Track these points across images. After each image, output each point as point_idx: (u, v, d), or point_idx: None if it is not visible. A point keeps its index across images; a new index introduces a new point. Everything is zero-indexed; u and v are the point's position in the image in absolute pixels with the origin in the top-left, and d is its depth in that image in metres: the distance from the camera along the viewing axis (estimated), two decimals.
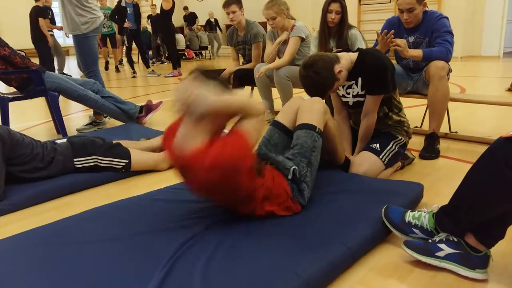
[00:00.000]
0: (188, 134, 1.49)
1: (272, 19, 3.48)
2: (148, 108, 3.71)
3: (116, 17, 8.32)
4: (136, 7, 8.37)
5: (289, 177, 1.69)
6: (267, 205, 1.63)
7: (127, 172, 2.42)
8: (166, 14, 7.64)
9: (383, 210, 1.58)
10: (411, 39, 2.75)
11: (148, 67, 8.50)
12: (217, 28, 12.92)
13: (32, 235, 1.62)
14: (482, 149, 1.29)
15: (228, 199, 1.59)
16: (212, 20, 12.78)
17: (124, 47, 9.16)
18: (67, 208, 2.06)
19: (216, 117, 1.49)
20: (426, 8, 2.69)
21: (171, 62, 8.20)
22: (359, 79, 2.19)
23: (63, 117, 3.46)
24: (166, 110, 4.53)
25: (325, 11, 3.13)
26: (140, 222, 1.67)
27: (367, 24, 9.74)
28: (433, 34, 2.65)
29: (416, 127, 3.21)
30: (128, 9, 8.25)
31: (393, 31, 2.53)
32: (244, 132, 1.51)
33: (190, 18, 12.95)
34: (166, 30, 7.86)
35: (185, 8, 13.16)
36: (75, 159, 2.31)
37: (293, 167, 1.71)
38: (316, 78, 2.03)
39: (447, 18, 2.68)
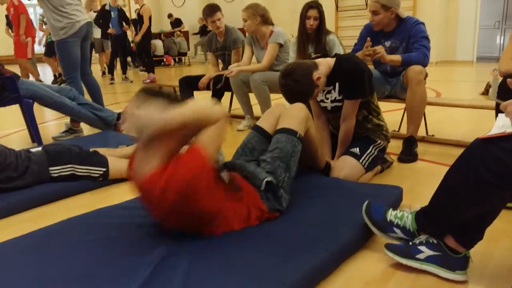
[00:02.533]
0: (142, 158, 1.40)
1: (244, 21, 3.55)
2: None
3: (100, 21, 8.17)
4: (121, 12, 8.18)
5: (262, 188, 1.64)
6: (245, 221, 1.57)
7: (105, 180, 2.37)
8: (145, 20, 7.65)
9: (364, 205, 1.56)
10: (388, 44, 2.79)
11: (124, 73, 8.39)
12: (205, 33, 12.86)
13: (5, 247, 1.56)
14: (458, 151, 1.30)
15: (192, 224, 1.50)
16: (201, 25, 12.71)
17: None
18: (43, 218, 2.00)
19: (167, 135, 1.38)
20: (399, 14, 2.73)
21: (145, 67, 8.16)
22: (337, 84, 2.20)
23: (38, 125, 3.38)
24: None
25: (303, 17, 3.16)
26: (118, 230, 1.63)
27: (345, 30, 9.87)
28: (410, 39, 2.69)
29: (394, 131, 3.25)
30: (112, 13, 8.07)
31: (368, 39, 2.57)
32: (199, 147, 1.41)
33: (176, 24, 12.89)
34: (145, 36, 7.81)
35: (170, 15, 13.10)
36: (50, 168, 2.25)
37: (266, 179, 1.65)
38: (295, 86, 2.04)
39: (423, 24, 2.73)
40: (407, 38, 2.71)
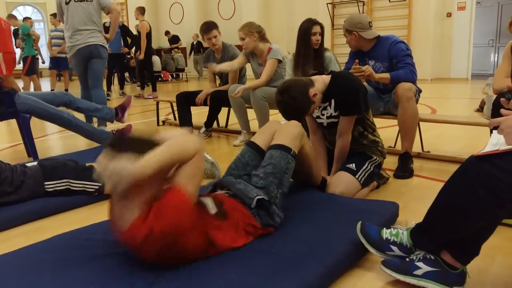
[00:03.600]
0: (121, 211, 1.35)
1: (241, 40, 3.59)
2: (122, 107, 3.66)
3: None
4: (123, 28, 8.09)
5: (252, 206, 1.62)
6: (239, 241, 1.55)
7: (100, 195, 2.36)
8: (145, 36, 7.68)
9: (358, 226, 1.56)
10: (371, 63, 2.85)
11: (121, 88, 8.42)
12: (201, 50, 12.95)
13: (10, 258, 1.55)
14: (453, 168, 1.31)
15: (181, 261, 1.43)
16: (195, 42, 12.83)
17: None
18: (36, 233, 1.98)
19: (143, 184, 1.31)
20: (362, 36, 2.78)
21: (141, 84, 8.21)
22: (332, 101, 2.22)
23: (34, 140, 3.37)
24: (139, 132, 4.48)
25: (308, 34, 3.21)
26: (114, 244, 1.62)
27: (340, 47, 9.99)
28: (392, 59, 2.74)
29: (390, 147, 3.26)
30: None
31: (357, 61, 2.64)
32: (179, 188, 1.35)
33: (174, 41, 13.01)
34: (145, 53, 7.83)
35: (167, 32, 13.22)
36: (46, 183, 2.24)
37: (257, 197, 1.62)
38: (292, 102, 2.06)
39: (403, 42, 2.79)
40: (387, 58, 2.76)
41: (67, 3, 3.95)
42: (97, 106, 3.60)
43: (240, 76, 4.02)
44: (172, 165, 1.37)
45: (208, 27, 3.91)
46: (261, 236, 1.62)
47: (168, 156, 1.34)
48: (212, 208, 1.54)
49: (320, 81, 2.19)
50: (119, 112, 3.61)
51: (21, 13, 15.72)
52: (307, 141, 2.02)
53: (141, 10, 7.88)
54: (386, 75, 2.67)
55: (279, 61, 3.59)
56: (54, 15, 9.11)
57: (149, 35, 7.71)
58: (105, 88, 8.22)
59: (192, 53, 13.03)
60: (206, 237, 1.45)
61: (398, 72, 2.68)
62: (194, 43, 12.83)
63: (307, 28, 3.22)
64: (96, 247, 1.61)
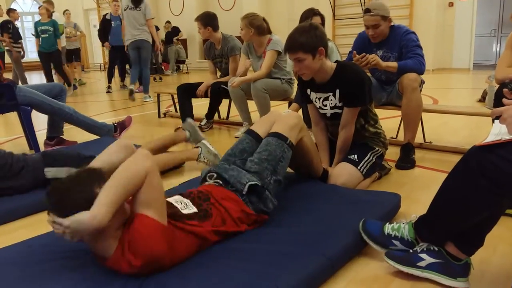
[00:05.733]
0: (98, 249, 1.32)
1: (240, 29, 3.60)
2: (122, 126, 3.63)
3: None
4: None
5: (244, 192, 1.62)
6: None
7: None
8: None
9: (360, 224, 1.57)
10: (380, 53, 2.81)
11: (122, 81, 8.35)
12: (172, 41, 12.52)
13: (13, 250, 1.57)
14: (455, 158, 1.31)
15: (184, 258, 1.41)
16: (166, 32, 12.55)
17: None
18: (38, 226, 1.99)
19: (100, 231, 1.24)
20: (393, 23, 2.76)
21: (138, 78, 7.88)
22: (337, 91, 2.21)
23: (36, 132, 3.37)
24: (140, 124, 4.47)
25: None
26: None
27: (342, 38, 9.94)
28: (402, 49, 2.72)
29: (392, 138, 3.26)
30: (113, 22, 7.80)
31: (364, 54, 2.59)
32: (144, 216, 1.28)
33: (174, 32, 12.87)
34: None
35: (168, 22, 13.08)
36: (46, 169, 2.24)
37: (249, 183, 1.62)
38: (315, 32, 2.04)
39: (414, 33, 2.76)
40: (398, 48, 2.73)
41: (124, 10, 6.05)
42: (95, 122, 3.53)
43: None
44: (128, 196, 1.29)
45: (196, 17, 3.97)
46: (255, 222, 1.63)
47: (120, 192, 1.25)
48: (190, 208, 1.50)
49: (328, 65, 2.16)
50: (118, 129, 3.58)
51: (21, 6, 15.65)
52: (307, 133, 2.01)
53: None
54: (394, 64, 2.65)
55: (279, 53, 3.57)
56: (68, 11, 9.22)
57: None
58: (106, 81, 8.22)
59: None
60: (195, 236, 1.43)
61: (406, 62, 2.65)
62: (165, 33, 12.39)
63: (307, 19, 3.20)
64: None
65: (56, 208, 1.24)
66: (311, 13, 3.27)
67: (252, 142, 1.91)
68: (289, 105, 3.70)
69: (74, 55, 9.14)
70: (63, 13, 9.32)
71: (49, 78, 7.35)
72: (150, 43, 6.16)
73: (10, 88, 3.18)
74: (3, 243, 1.70)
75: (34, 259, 1.49)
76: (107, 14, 8.13)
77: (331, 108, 2.27)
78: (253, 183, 1.64)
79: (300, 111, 3.42)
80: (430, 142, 3.13)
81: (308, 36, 2.04)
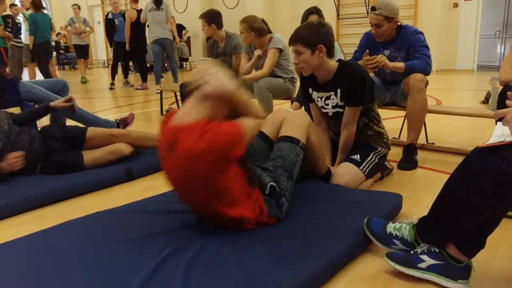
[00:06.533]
0: (188, 110, 1.53)
1: (240, 33, 3.60)
2: (125, 123, 3.64)
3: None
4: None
5: (266, 192, 1.66)
6: (245, 210, 1.57)
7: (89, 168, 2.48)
8: (133, 25, 7.28)
9: (365, 221, 1.57)
10: (387, 52, 2.80)
11: (125, 77, 8.35)
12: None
13: (18, 244, 1.57)
14: (458, 159, 1.30)
15: (204, 192, 1.51)
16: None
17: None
18: (41, 220, 2.00)
19: (219, 101, 1.53)
20: (399, 23, 2.74)
21: (140, 75, 7.79)
22: (338, 90, 2.21)
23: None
24: (142, 121, 4.48)
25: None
26: (120, 231, 1.64)
27: (346, 38, 9.91)
28: (409, 49, 2.71)
29: (394, 138, 3.25)
30: (116, 20, 7.86)
31: (374, 57, 2.58)
32: (241, 124, 1.52)
33: (178, 30, 12.85)
34: (134, 42, 7.37)
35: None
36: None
37: (270, 183, 1.67)
38: (319, 29, 2.07)
39: (422, 33, 2.75)
40: (406, 47, 2.72)
41: (149, 11, 6.77)
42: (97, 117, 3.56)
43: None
44: (245, 110, 1.60)
45: (200, 15, 3.98)
46: (263, 224, 1.63)
47: (247, 101, 1.61)
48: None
49: (332, 64, 2.16)
50: (120, 126, 3.58)
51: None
52: (314, 130, 2.02)
53: None
54: (401, 65, 2.64)
55: (280, 50, 3.57)
56: (77, 5, 9.02)
57: (137, 24, 7.27)
58: (109, 77, 8.22)
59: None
60: (233, 183, 1.52)
61: (413, 62, 2.65)
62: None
63: (303, 18, 3.21)
64: (102, 235, 1.63)
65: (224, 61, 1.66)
66: (308, 12, 3.26)
67: (262, 145, 1.93)
68: (291, 104, 3.69)
69: (82, 51, 8.97)
70: (72, 7, 9.21)
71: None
72: (172, 40, 6.99)
73: (14, 84, 3.20)
74: (10, 237, 1.71)
75: (38, 252, 1.50)
76: (108, 13, 8.12)
77: (333, 107, 2.27)
78: (273, 184, 1.67)
79: (298, 108, 3.41)
80: (433, 143, 3.12)
81: (310, 31, 2.06)
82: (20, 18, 7.41)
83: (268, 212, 1.64)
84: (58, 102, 2.74)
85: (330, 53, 2.12)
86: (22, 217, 2.07)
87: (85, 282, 1.31)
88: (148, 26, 7.07)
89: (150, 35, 6.93)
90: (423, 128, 2.89)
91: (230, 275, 1.31)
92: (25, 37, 7.35)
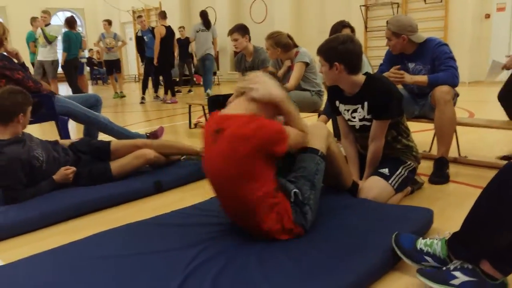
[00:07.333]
0: (238, 105, 1.69)
1: (266, 49, 3.65)
2: (155, 136, 3.71)
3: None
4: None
5: (291, 200, 1.69)
6: (272, 222, 1.61)
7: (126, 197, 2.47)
8: (161, 41, 7.45)
9: (393, 237, 1.54)
10: (411, 66, 2.78)
11: (156, 91, 8.52)
12: None
13: (34, 260, 1.61)
14: (492, 173, 1.26)
15: (241, 187, 1.59)
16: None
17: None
18: (73, 232, 2.05)
19: (267, 106, 1.69)
20: (411, 39, 2.69)
21: (169, 89, 7.98)
22: (365, 103, 2.19)
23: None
24: (171, 134, 4.55)
25: None
26: (149, 243, 1.68)
27: (374, 50, 9.84)
28: (434, 61, 2.67)
29: (425, 151, 3.18)
30: (145, 37, 8.07)
31: (399, 67, 2.60)
32: (284, 127, 1.67)
33: None
34: (161, 57, 7.53)
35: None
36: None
37: (294, 190, 1.71)
38: (338, 46, 2.07)
39: (446, 44, 2.71)
40: (431, 60, 2.69)
41: (197, 32, 7.68)
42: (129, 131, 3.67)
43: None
44: (289, 120, 1.76)
45: (230, 30, 4.02)
46: (289, 232, 1.64)
47: (293, 112, 1.77)
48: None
49: (359, 77, 2.16)
50: (150, 139, 3.65)
51: (60, 18, 16.33)
52: (333, 141, 2.02)
53: (161, 15, 7.81)
54: (423, 78, 2.61)
55: (307, 64, 3.58)
56: (107, 21, 9.04)
57: (166, 40, 7.50)
58: (140, 91, 8.40)
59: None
60: (266, 187, 1.61)
61: (438, 75, 2.61)
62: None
63: (336, 31, 3.20)
64: (133, 246, 1.66)
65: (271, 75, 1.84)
66: (340, 25, 3.27)
67: (283, 159, 1.92)
68: (318, 117, 3.68)
69: (114, 66, 9.01)
70: (102, 23, 9.25)
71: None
72: (214, 56, 7.99)
73: (49, 99, 3.32)
74: (42, 248, 1.76)
75: (70, 263, 1.54)
76: (138, 31, 8.35)
77: (360, 120, 2.25)
78: (297, 191, 1.70)
79: (325, 121, 3.38)
80: (466, 157, 3.03)
81: (330, 47, 2.10)
82: (38, 32, 7.24)
83: (294, 218, 1.65)
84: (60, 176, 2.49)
85: (352, 70, 2.10)
86: (55, 228, 2.14)
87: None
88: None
89: (198, 52, 7.84)
90: (454, 141, 2.82)
91: (253, 285, 1.30)
92: (38, 53, 7.16)
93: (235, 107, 1.70)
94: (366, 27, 10.28)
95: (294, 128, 1.74)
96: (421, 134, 3.74)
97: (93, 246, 1.70)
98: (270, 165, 1.64)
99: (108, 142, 2.78)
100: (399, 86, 2.86)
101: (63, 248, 1.70)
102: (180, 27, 10.50)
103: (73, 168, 2.47)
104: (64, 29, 7.43)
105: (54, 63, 7.11)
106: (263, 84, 1.68)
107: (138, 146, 2.75)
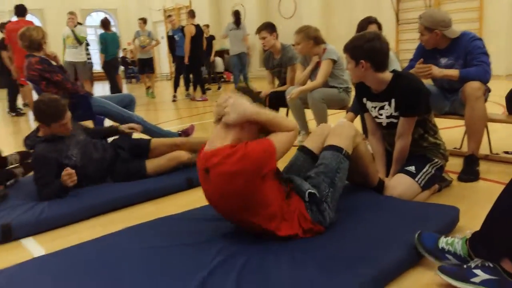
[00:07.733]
0: (218, 135, 1.66)
1: (297, 44, 3.63)
2: (186, 134, 3.82)
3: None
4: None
5: (306, 199, 1.71)
6: (288, 229, 1.64)
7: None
8: (191, 39, 7.57)
9: (416, 236, 1.56)
10: (444, 61, 2.74)
11: (187, 89, 8.65)
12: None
13: (73, 251, 1.74)
14: None
15: (245, 210, 1.61)
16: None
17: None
18: (111, 224, 2.18)
19: (246, 125, 1.65)
20: (445, 34, 2.66)
21: (199, 87, 8.15)
22: (393, 100, 2.20)
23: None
24: (201, 132, 4.66)
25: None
26: (179, 237, 1.78)
27: (405, 43, 9.64)
28: (467, 56, 2.62)
29: (456, 148, 3.14)
30: (175, 36, 8.17)
31: (421, 60, 2.56)
32: (269, 140, 1.62)
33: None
34: (191, 55, 7.67)
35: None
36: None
37: (308, 190, 1.72)
38: (364, 44, 2.09)
39: (480, 39, 2.65)
40: (463, 55, 2.64)
41: (230, 30, 8.15)
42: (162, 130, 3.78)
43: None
44: (272, 127, 1.69)
45: (258, 28, 4.07)
46: (310, 231, 1.67)
47: (269, 117, 1.68)
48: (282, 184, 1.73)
49: (387, 75, 2.17)
50: (182, 137, 3.76)
51: (94, 19, 16.83)
52: (362, 141, 2.03)
53: (190, 14, 7.96)
54: (455, 72, 2.57)
55: (334, 61, 3.58)
56: (142, 19, 9.04)
57: (196, 39, 7.60)
58: (171, 90, 8.54)
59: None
60: (272, 197, 1.62)
61: (469, 70, 2.57)
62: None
63: (363, 28, 3.20)
64: (165, 239, 1.76)
65: (241, 88, 1.87)
66: (366, 22, 3.26)
67: (305, 159, 1.98)
68: (346, 114, 3.68)
69: (147, 65, 9.07)
70: (138, 21, 9.20)
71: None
72: (246, 53, 8.47)
73: (86, 99, 3.48)
74: (83, 238, 1.89)
75: (108, 253, 1.65)
76: (169, 30, 8.50)
77: (387, 117, 2.26)
78: (312, 191, 1.72)
79: (352, 119, 3.38)
80: (497, 154, 2.97)
81: (356, 45, 2.11)
82: (65, 33, 7.14)
83: (311, 218, 1.68)
84: (125, 127, 3.00)
85: (378, 68, 2.12)
86: (94, 221, 2.27)
87: (148, 281, 1.44)
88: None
89: (231, 49, 8.36)
90: (486, 138, 2.77)
91: (277, 279, 1.37)
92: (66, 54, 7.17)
93: (216, 139, 1.66)
94: (398, 20, 10.06)
95: (279, 133, 1.68)
96: (452, 130, 3.68)
97: (129, 238, 1.81)
98: (270, 180, 1.63)
99: (148, 140, 2.90)
100: (429, 82, 2.84)
101: (102, 239, 1.83)
102: (204, 25, 10.48)
103: (71, 171, 2.39)
104: (100, 31, 7.67)
105: (87, 64, 7.29)
106: (233, 106, 1.62)
107: (177, 145, 2.88)
